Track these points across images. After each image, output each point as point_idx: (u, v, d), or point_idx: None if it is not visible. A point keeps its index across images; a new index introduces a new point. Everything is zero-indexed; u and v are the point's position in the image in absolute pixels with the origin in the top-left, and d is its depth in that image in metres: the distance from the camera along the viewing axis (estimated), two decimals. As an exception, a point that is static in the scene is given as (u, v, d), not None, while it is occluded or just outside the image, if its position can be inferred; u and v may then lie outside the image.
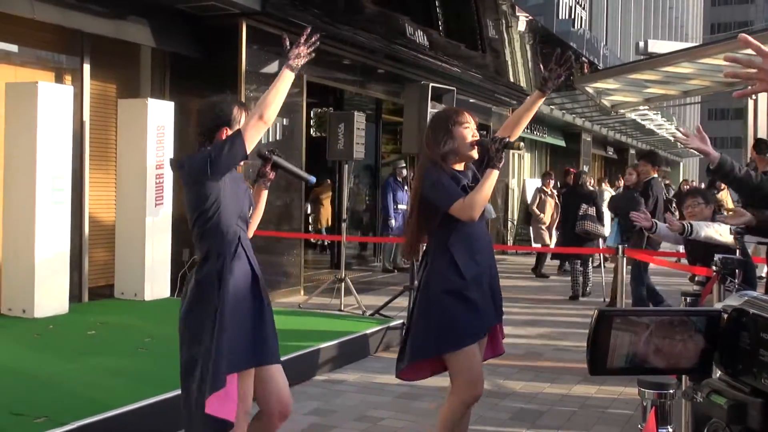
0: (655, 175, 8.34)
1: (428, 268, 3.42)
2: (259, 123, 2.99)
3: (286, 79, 3.12)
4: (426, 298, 3.39)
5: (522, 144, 3.93)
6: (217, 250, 2.96)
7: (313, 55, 3.13)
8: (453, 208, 3.29)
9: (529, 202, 12.96)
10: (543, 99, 3.53)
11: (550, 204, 12.41)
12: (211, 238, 2.97)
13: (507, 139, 3.38)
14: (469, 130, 3.43)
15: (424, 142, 3.49)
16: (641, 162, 8.64)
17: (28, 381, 4.80)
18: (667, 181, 23.89)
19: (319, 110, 13.39)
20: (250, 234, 3.18)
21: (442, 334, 3.31)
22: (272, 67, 9.20)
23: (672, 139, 29.62)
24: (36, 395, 4.49)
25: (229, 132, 2.98)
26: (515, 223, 17.31)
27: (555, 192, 12.71)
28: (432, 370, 3.50)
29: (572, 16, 21.44)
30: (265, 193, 3.39)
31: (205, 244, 2.99)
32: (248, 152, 2.97)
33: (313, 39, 3.09)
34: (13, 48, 7.47)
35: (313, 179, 3.65)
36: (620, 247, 7.30)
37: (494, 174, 3.33)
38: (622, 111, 18.70)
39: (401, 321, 6.95)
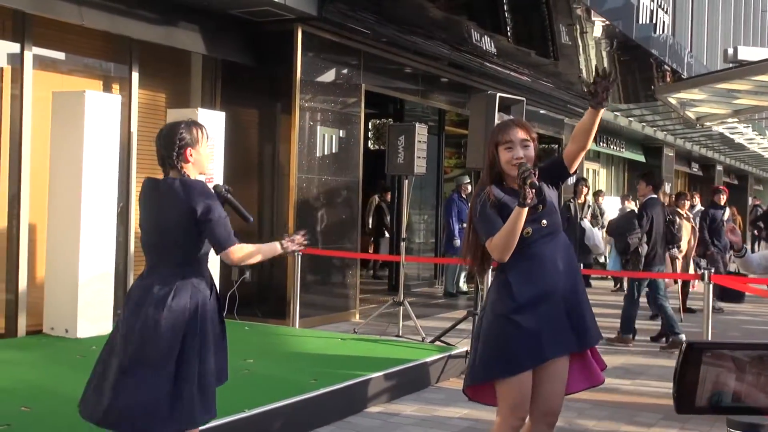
0: (653, 195, 8.65)
1: (489, 289, 3.52)
2: (226, 255, 3.43)
3: (271, 251, 3.61)
4: (481, 320, 3.48)
5: (536, 182, 3.75)
6: (196, 279, 3.42)
7: (301, 249, 3.75)
8: (487, 246, 3.35)
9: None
10: (599, 114, 3.36)
11: (687, 229, 11.17)
12: (192, 266, 3.43)
13: (528, 174, 3.20)
14: (512, 150, 3.38)
15: None
16: (640, 182, 8.96)
17: (71, 404, 4.87)
18: (758, 201, 23.31)
19: (378, 121, 13.47)
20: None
21: (492, 359, 3.36)
22: (328, 76, 9.29)
23: (765, 155, 28.91)
24: (78, 419, 4.57)
25: (192, 152, 3.46)
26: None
27: (690, 215, 11.74)
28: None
29: (654, 21, 21.12)
30: None
31: (181, 271, 3.40)
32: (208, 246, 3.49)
33: (306, 243, 3.70)
34: (60, 55, 7.71)
35: (251, 219, 3.86)
36: (706, 272, 7.12)
37: (520, 213, 3.23)
38: (708, 124, 18.33)
39: (464, 349, 6.90)
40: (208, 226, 3.36)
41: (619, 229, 8.68)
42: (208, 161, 3.59)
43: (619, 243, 8.59)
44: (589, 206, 13.11)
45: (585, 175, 18.05)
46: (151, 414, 3.26)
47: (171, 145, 3.45)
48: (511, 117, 7.67)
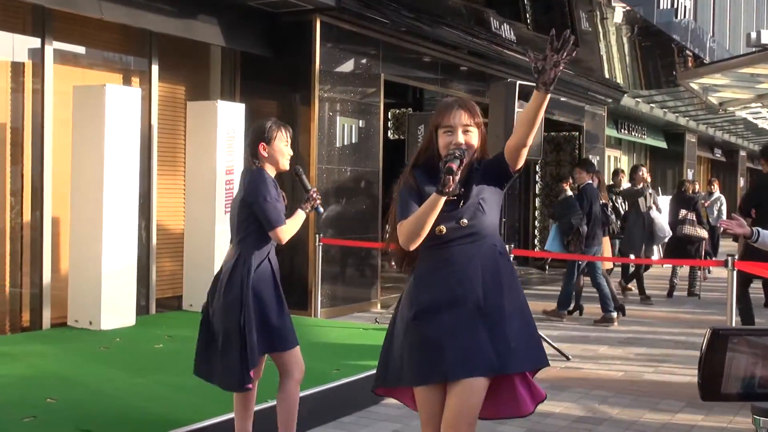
0: (590, 181, 9.29)
1: None
2: (275, 234, 3.83)
3: (300, 217, 4.00)
4: (393, 318, 3.20)
5: (452, 168, 2.76)
6: (246, 255, 3.84)
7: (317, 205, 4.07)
8: (398, 228, 2.99)
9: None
10: (547, 98, 2.85)
11: None
12: (245, 245, 3.86)
13: (450, 159, 2.85)
14: (451, 135, 2.99)
15: None
16: (576, 169, 9.59)
17: (95, 395, 4.94)
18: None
19: (398, 111, 13.44)
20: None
21: (391, 366, 3.07)
22: (347, 66, 9.27)
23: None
24: (103, 410, 4.62)
25: (265, 147, 3.89)
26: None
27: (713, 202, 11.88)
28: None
29: (675, 6, 20.92)
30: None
31: (238, 249, 3.88)
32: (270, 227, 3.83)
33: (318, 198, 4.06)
34: (80, 50, 7.74)
35: (321, 208, 4.17)
36: (729, 259, 7.06)
37: (436, 201, 2.85)
38: (731, 109, 18.13)
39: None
40: (258, 209, 3.79)
41: (563, 212, 9.40)
42: (283, 158, 3.96)
43: (563, 224, 9.19)
44: (650, 193, 12.65)
45: (606, 162, 17.93)
46: (230, 375, 3.82)
47: (249, 138, 4.02)
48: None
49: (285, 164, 3.95)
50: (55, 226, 7.29)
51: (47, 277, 7.14)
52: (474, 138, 3.03)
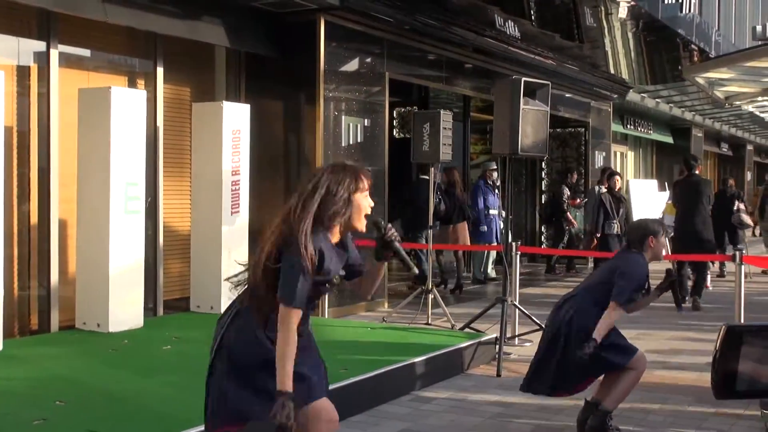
0: (423, 176, 10.23)
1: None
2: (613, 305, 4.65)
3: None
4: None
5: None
6: None
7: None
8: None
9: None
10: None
11: None
12: None
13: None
14: (366, 197, 3.25)
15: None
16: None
17: (103, 397, 4.94)
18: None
19: (403, 110, 13.41)
20: None
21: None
22: (352, 65, 9.25)
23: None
24: (113, 412, 4.62)
25: (654, 240, 4.75)
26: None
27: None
28: None
29: (680, 0, 20.86)
30: None
31: None
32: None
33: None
34: (85, 52, 7.75)
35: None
36: (737, 253, 7.04)
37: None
38: (737, 103, 18.07)
39: (494, 335, 6.87)
40: (622, 286, 4.66)
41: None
42: (664, 249, 4.87)
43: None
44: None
45: (613, 158, 17.87)
46: None
47: (640, 233, 4.81)
48: (537, 101, 7.60)
49: (662, 255, 4.93)
50: (62, 229, 7.29)
51: (55, 279, 7.14)
52: None
